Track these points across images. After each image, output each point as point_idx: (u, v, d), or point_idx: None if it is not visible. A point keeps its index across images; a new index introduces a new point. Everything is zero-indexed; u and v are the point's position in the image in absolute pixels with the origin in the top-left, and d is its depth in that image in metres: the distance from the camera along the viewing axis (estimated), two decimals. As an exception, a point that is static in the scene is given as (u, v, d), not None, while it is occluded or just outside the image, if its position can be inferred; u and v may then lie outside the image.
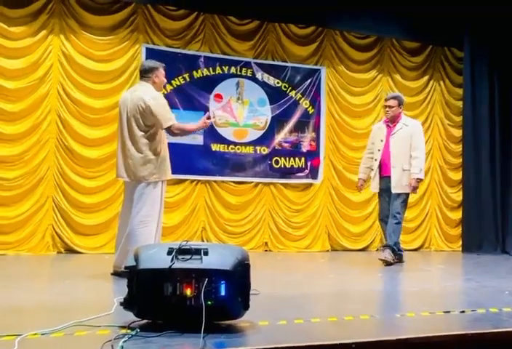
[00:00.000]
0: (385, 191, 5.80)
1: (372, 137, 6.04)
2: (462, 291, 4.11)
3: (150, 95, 4.23)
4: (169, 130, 4.24)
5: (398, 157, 5.69)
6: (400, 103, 5.83)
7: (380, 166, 5.81)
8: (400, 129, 5.77)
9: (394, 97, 5.88)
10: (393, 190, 5.66)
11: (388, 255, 5.57)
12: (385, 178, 5.77)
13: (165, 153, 4.35)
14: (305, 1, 6.94)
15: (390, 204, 5.74)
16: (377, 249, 7.60)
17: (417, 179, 5.63)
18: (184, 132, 4.45)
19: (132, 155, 4.23)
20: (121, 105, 4.37)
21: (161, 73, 4.42)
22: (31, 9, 6.05)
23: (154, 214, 4.25)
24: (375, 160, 5.85)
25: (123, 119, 4.31)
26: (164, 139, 4.36)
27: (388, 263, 5.48)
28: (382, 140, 5.82)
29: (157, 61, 4.52)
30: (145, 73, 4.37)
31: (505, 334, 2.46)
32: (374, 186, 5.86)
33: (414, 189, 5.71)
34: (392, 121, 5.83)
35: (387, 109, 5.83)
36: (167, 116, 4.21)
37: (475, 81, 7.79)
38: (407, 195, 5.77)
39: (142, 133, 4.22)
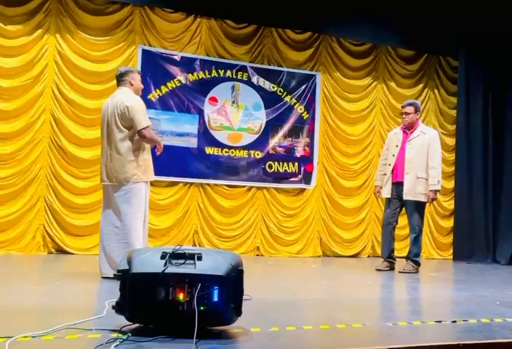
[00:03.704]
0: (395, 199, 5.73)
1: (388, 143, 5.99)
2: (453, 300, 4.11)
3: (129, 98, 4.28)
4: (142, 133, 4.21)
5: (413, 163, 5.63)
6: (417, 110, 5.79)
7: (393, 172, 5.74)
8: (417, 135, 5.72)
9: (411, 104, 5.83)
10: (405, 197, 5.62)
11: (409, 267, 5.66)
12: (397, 185, 5.69)
13: (147, 154, 4.34)
14: (302, 7, 6.96)
15: (409, 216, 5.74)
16: (368, 256, 7.62)
17: (435, 190, 5.63)
18: (152, 140, 4.34)
19: (113, 158, 4.25)
20: (103, 111, 4.43)
21: (137, 76, 4.47)
22: (28, 8, 6.04)
23: (140, 216, 4.24)
24: (389, 165, 5.79)
25: (104, 124, 4.38)
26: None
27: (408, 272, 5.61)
28: (397, 146, 5.77)
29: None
30: (121, 77, 4.42)
31: (496, 346, 2.46)
32: (386, 192, 5.78)
33: (433, 201, 5.72)
34: (409, 128, 5.78)
35: (404, 116, 5.79)
36: (143, 119, 4.24)
37: (469, 90, 7.85)
38: (424, 205, 5.74)
39: (122, 135, 4.23)
